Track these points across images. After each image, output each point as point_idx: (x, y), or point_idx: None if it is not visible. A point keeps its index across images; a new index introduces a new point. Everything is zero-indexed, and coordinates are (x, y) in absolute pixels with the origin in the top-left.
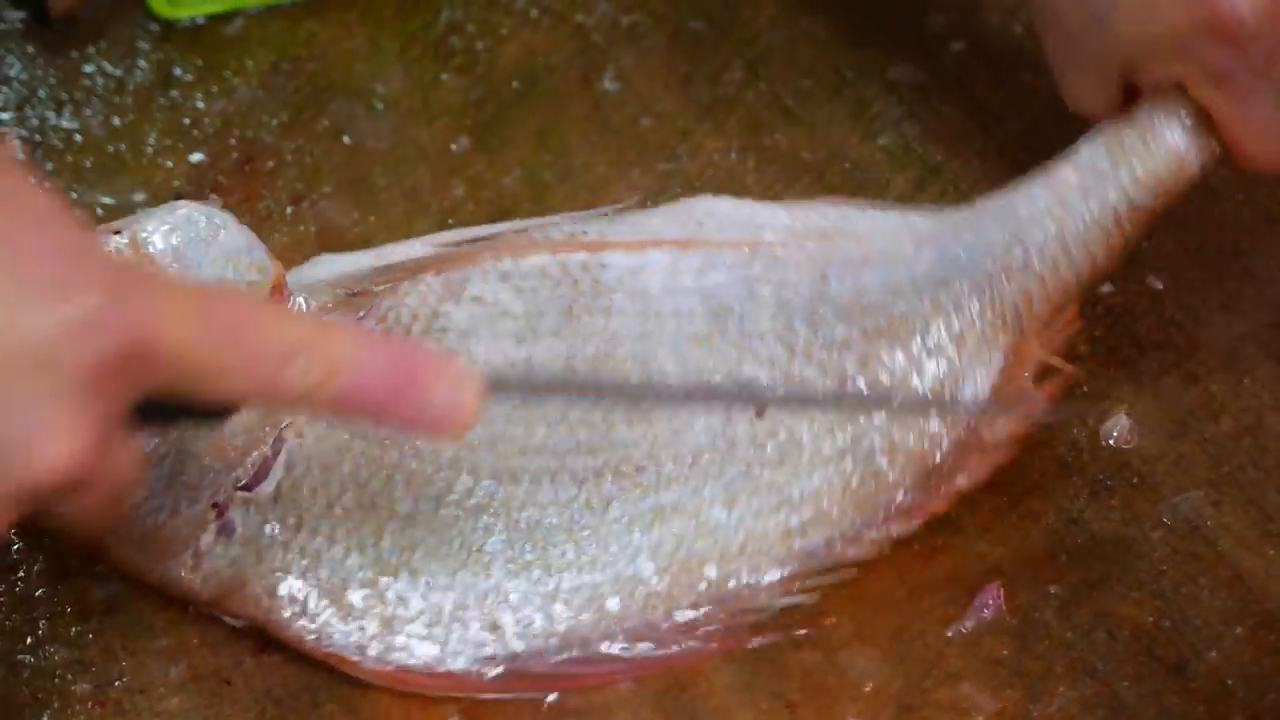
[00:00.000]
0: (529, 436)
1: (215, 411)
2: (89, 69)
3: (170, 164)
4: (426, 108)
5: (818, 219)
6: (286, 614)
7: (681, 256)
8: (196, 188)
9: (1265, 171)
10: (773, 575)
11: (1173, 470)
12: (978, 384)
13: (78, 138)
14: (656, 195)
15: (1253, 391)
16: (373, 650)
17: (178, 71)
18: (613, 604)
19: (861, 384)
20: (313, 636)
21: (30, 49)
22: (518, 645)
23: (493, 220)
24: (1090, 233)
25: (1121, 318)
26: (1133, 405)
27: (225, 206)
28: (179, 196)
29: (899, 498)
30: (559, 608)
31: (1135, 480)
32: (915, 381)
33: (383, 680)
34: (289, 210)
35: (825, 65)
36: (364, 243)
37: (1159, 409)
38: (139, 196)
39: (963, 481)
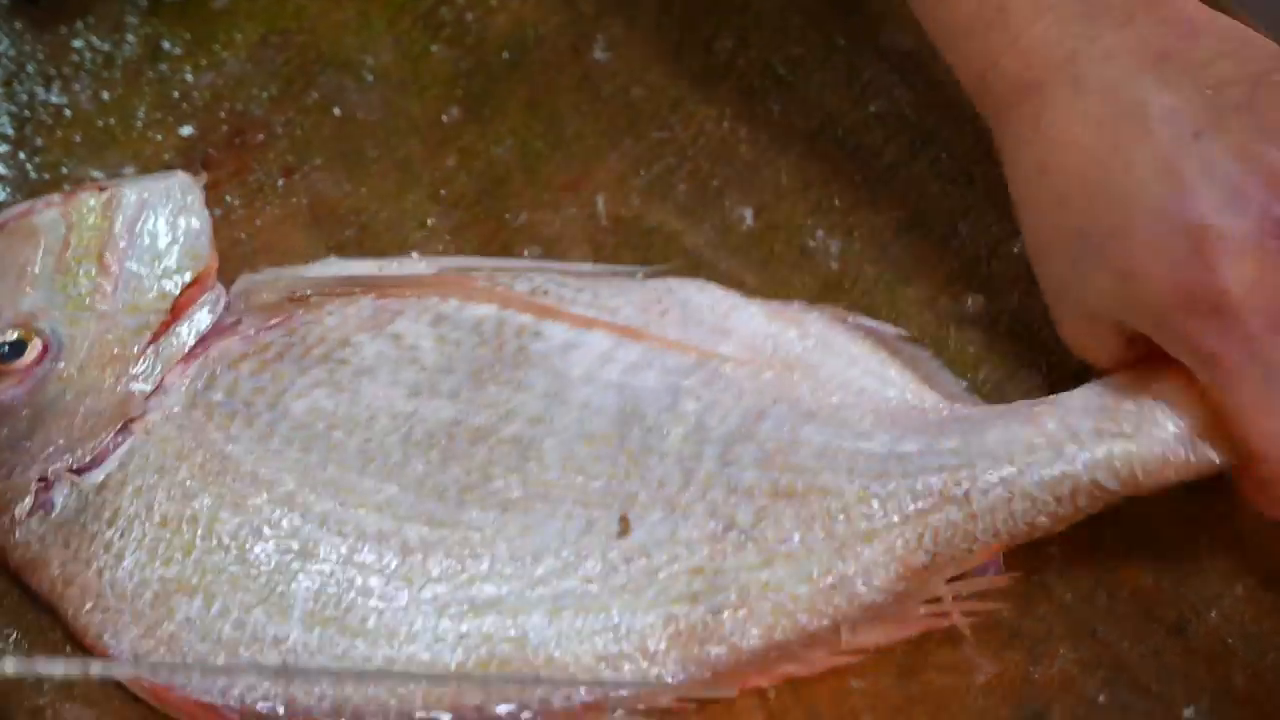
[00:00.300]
0: (376, 491)
1: None
2: (77, 44)
3: (160, 137)
4: (417, 79)
5: (794, 340)
6: (76, 605)
7: (621, 345)
8: (187, 161)
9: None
10: (567, 696)
11: None
12: (858, 587)
13: (67, 112)
14: (649, 164)
15: None
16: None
17: (166, 45)
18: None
19: (739, 540)
20: (94, 635)
21: (18, 25)
22: (298, 696)
23: (486, 191)
24: (1041, 496)
25: None
26: None
27: (216, 180)
28: (169, 168)
29: (738, 656)
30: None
31: None
32: (794, 554)
33: (147, 695)
34: (280, 183)
35: (816, 32)
36: (355, 214)
37: None
38: (129, 170)
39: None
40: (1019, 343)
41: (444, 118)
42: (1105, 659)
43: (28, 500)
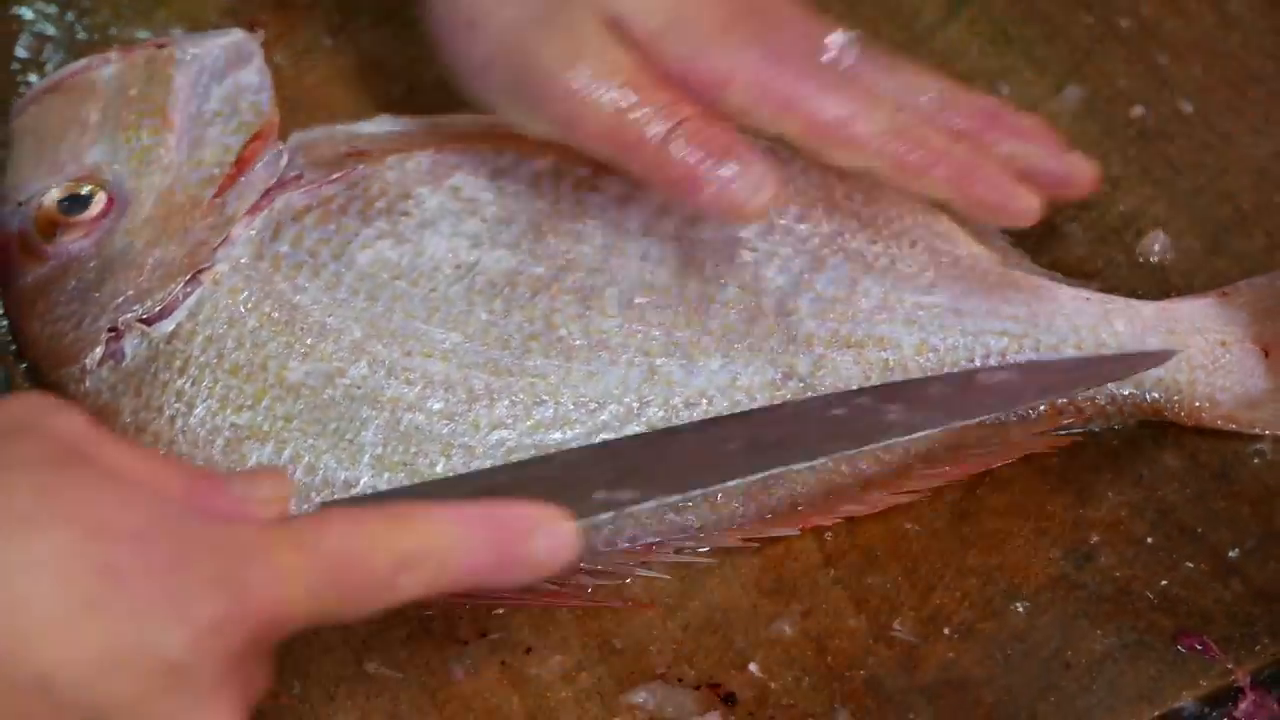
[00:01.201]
0: (441, 340)
1: None
2: None
3: None
4: None
5: (845, 187)
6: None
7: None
8: (234, 22)
9: None
10: (633, 537)
11: (1210, 284)
12: (908, 447)
13: None
14: None
15: None
16: None
17: None
18: None
19: (798, 389)
20: None
21: None
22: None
23: None
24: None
25: (1155, 139)
26: (1168, 222)
27: (264, 42)
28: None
29: (798, 499)
30: None
31: (1173, 293)
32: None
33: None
34: (328, 42)
35: None
36: (403, 72)
37: (1194, 226)
38: (176, 31)
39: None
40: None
41: None
42: (1152, 503)
43: (98, 350)
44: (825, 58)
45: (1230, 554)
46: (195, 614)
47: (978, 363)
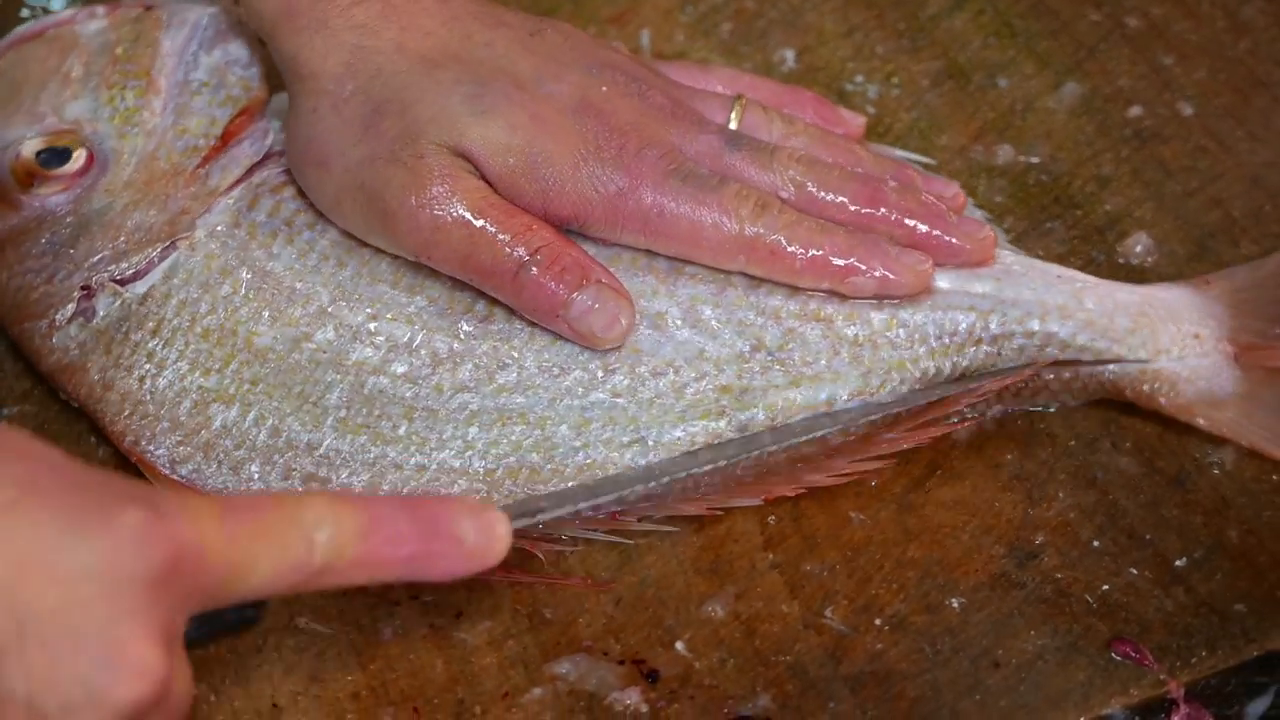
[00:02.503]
0: (407, 304)
1: (248, 618)
2: None
3: None
4: None
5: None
6: (115, 410)
7: None
8: None
9: None
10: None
11: None
12: (880, 410)
13: None
14: (696, 2)
15: (1273, 217)
16: (184, 469)
17: None
18: (429, 490)
19: (765, 361)
20: (131, 439)
21: None
22: None
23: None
24: (1061, 358)
25: (1149, 140)
26: (1154, 225)
27: None
28: None
29: (764, 467)
30: (374, 479)
31: None
32: (820, 375)
33: (178, 490)
34: None
35: None
36: None
37: (1180, 230)
38: None
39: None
40: (1045, 195)
41: None
42: (1103, 506)
43: (69, 307)
44: (706, 141)
45: (1177, 563)
46: (117, 522)
47: (946, 340)
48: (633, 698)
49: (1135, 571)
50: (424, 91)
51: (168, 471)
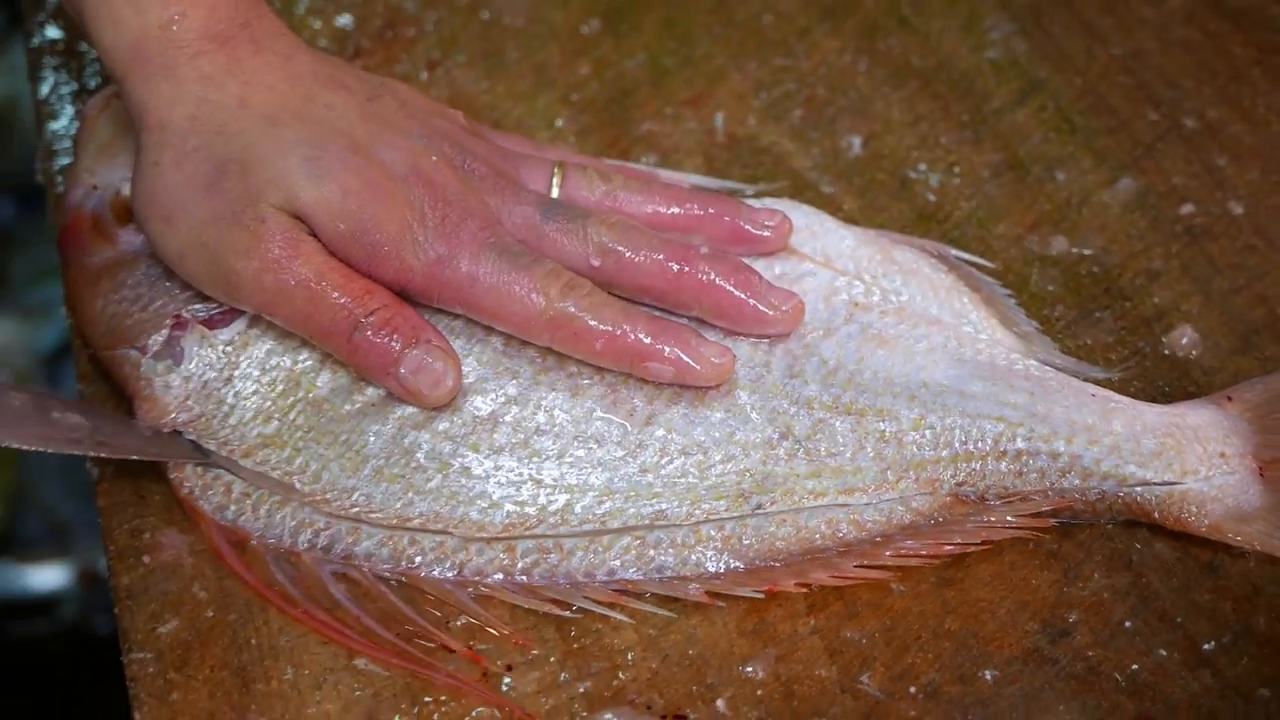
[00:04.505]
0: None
1: None
2: None
3: (318, 24)
4: None
5: (877, 265)
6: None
7: None
8: (339, 48)
9: None
10: (610, 573)
11: (1230, 383)
12: (898, 510)
13: None
14: (770, 88)
15: None
16: (229, 513)
17: None
18: (434, 539)
19: (791, 449)
20: (188, 488)
21: None
22: (353, 545)
23: (614, 100)
24: (1085, 484)
25: (1199, 237)
26: (1200, 319)
27: (366, 68)
28: None
29: (775, 555)
30: (400, 524)
31: (1192, 389)
32: (843, 468)
33: (206, 526)
34: (424, 75)
35: None
36: (490, 110)
37: (1225, 325)
38: None
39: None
40: (1097, 286)
41: (583, 28)
42: (1136, 588)
43: (161, 334)
44: (523, 213)
45: (1205, 646)
46: None
47: (971, 447)
48: None
49: (1164, 653)
50: (264, 152)
51: (208, 510)
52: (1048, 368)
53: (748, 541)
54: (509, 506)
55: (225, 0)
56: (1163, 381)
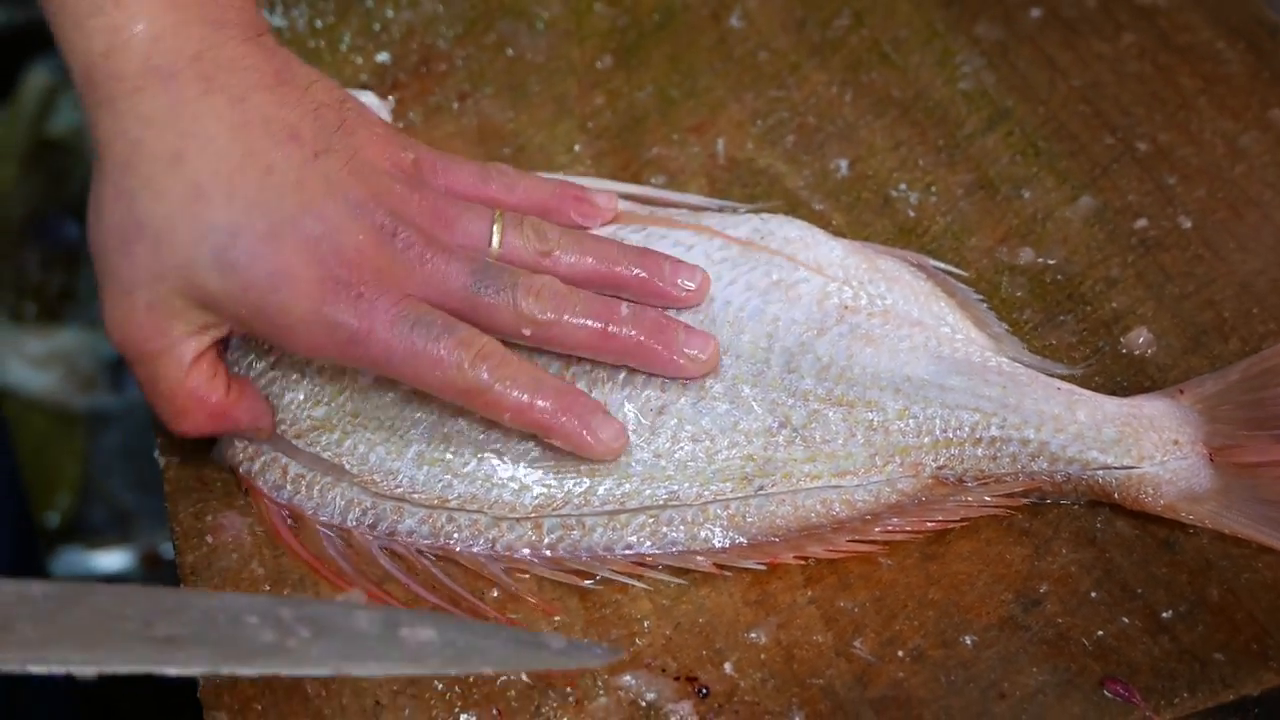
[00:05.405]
0: None
1: None
2: None
3: (359, 60)
4: (579, 30)
5: (864, 272)
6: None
7: (716, 265)
8: (379, 82)
9: None
10: (629, 547)
11: (1182, 378)
12: (884, 491)
13: (285, 33)
14: (766, 116)
15: (1260, 319)
16: (285, 492)
17: None
18: (469, 518)
19: (789, 436)
20: (246, 465)
21: None
22: (397, 523)
23: (626, 127)
24: (1052, 467)
25: (1153, 249)
26: (1154, 321)
27: (403, 99)
28: (364, 88)
29: (774, 531)
30: (439, 504)
31: (1148, 384)
32: (835, 454)
33: (264, 504)
34: (455, 105)
35: (920, 19)
36: (515, 136)
37: (1176, 326)
38: None
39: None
40: (1060, 292)
41: (598, 64)
42: (1100, 562)
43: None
44: (454, 284)
45: (1164, 615)
46: None
47: (950, 434)
48: (685, 709)
49: (1127, 620)
50: (179, 233)
51: (261, 487)
52: (1018, 364)
53: (751, 519)
54: (538, 489)
55: (172, 29)
56: (1121, 377)
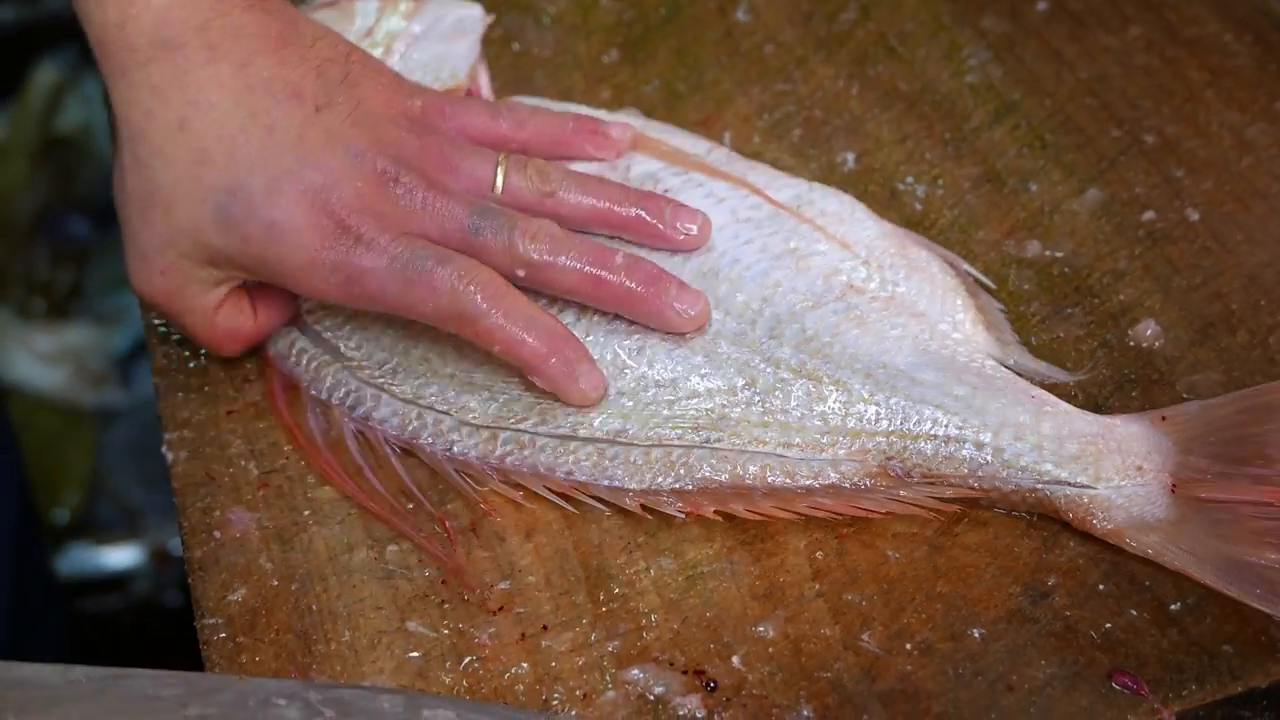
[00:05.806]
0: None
1: None
2: None
3: None
4: (586, 25)
5: (888, 254)
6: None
7: (738, 223)
8: None
9: None
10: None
11: (1189, 371)
12: (827, 471)
13: None
14: (772, 110)
15: (1268, 311)
16: (289, 362)
17: None
18: (435, 417)
19: (749, 398)
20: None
21: None
22: (372, 410)
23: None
24: (1003, 475)
25: (1160, 241)
26: (1162, 314)
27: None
28: None
29: (709, 483)
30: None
31: (1155, 376)
32: (788, 423)
33: (269, 369)
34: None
35: (927, 12)
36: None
37: (1184, 319)
38: None
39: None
40: (1068, 285)
41: (604, 58)
42: (1108, 555)
43: None
44: (453, 225)
45: (1172, 607)
46: None
47: (908, 427)
48: (693, 703)
49: (1135, 613)
50: (186, 196)
51: (275, 359)
52: (1002, 368)
53: (689, 470)
54: (502, 400)
55: (180, 1)
56: (1129, 370)
